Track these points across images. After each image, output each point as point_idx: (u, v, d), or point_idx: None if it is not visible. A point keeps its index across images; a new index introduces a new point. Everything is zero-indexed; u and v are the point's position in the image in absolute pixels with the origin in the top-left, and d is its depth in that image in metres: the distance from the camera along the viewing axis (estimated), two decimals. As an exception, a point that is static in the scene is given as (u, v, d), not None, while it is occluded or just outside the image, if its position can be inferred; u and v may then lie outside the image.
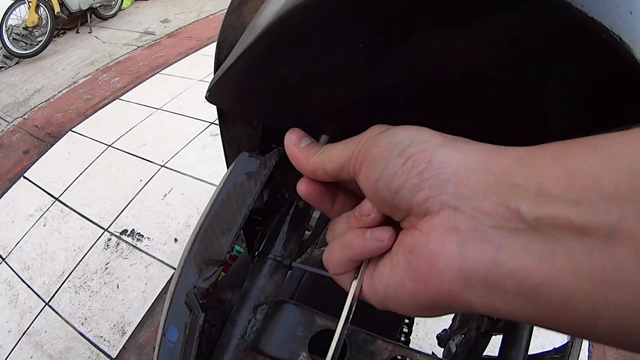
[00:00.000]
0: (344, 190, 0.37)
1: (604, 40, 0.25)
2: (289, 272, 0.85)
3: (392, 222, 0.30)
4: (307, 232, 1.04)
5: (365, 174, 0.29)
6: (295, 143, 0.36)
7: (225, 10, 0.59)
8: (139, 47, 5.46)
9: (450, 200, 0.24)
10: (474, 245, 0.23)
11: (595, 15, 0.24)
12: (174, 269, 2.33)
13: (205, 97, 0.46)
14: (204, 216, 0.50)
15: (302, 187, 0.36)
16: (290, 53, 0.35)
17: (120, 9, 6.94)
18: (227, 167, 0.60)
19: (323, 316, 0.46)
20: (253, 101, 0.44)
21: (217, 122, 3.42)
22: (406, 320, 1.10)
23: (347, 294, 0.34)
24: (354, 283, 0.32)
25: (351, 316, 0.33)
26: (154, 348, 0.47)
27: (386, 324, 0.86)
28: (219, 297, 0.53)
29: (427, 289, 0.25)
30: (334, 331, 0.45)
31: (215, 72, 0.57)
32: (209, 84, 0.46)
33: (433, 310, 0.27)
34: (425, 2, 0.27)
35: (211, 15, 6.05)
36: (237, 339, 0.46)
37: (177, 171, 3.04)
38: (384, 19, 0.29)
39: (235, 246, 1.25)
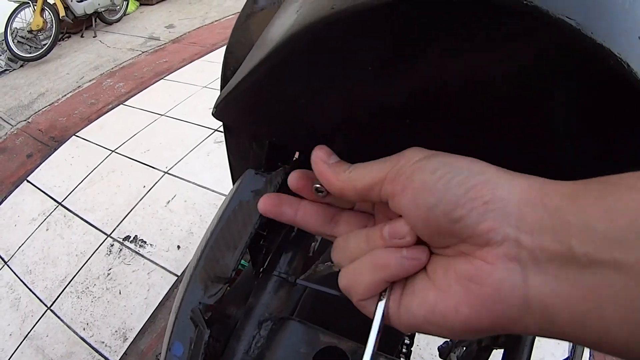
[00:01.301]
0: (307, 201, 0.39)
1: (612, 67, 0.25)
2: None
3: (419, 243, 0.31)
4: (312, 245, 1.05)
5: (413, 199, 0.29)
6: (323, 160, 0.36)
7: (231, 17, 0.59)
8: (143, 52, 5.47)
9: (512, 233, 0.25)
10: (536, 276, 0.24)
11: (605, 41, 0.24)
12: (177, 275, 2.34)
13: (212, 114, 0.46)
14: (210, 232, 0.50)
15: (261, 206, 0.39)
16: (300, 71, 0.35)
17: (125, 14, 6.94)
18: (233, 182, 0.60)
19: (327, 333, 0.47)
20: (260, 118, 0.44)
21: (221, 129, 3.41)
22: (407, 333, 1.10)
23: (350, 310, 0.33)
24: (380, 305, 0.32)
25: (378, 341, 0.32)
26: (158, 361, 0.47)
27: (388, 336, 0.86)
28: (223, 313, 0.53)
29: (488, 315, 0.26)
30: (339, 348, 0.46)
31: (221, 88, 0.57)
32: (216, 98, 0.46)
33: (482, 334, 0.28)
34: (440, 27, 0.27)
35: (216, 21, 6.05)
36: (241, 354, 0.47)
37: (181, 178, 3.04)
38: (397, 40, 0.29)
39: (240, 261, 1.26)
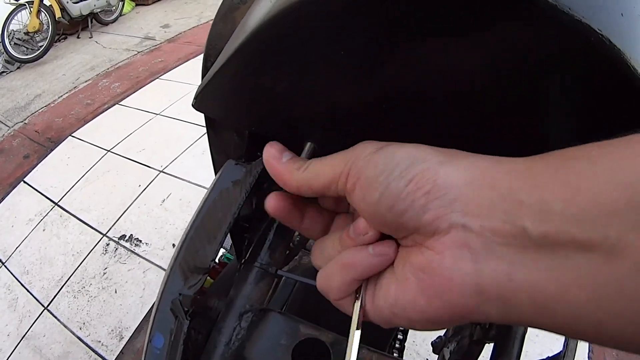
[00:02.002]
0: (314, 206, 0.37)
1: (593, 44, 0.24)
2: (282, 280, 0.85)
3: (386, 237, 0.30)
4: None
5: (361, 196, 0.28)
6: (276, 157, 0.34)
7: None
8: (139, 52, 5.47)
9: (458, 219, 0.24)
10: (488, 261, 0.23)
11: (584, 17, 0.23)
12: (172, 274, 2.33)
13: (192, 105, 0.46)
14: (191, 224, 0.50)
15: (271, 203, 0.35)
16: (275, 59, 0.34)
17: (121, 14, 6.93)
18: (215, 174, 0.60)
19: (307, 325, 0.46)
20: (239, 108, 0.43)
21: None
22: (400, 328, 1.09)
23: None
24: (357, 305, 0.31)
25: (359, 340, 0.31)
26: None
27: (379, 331, 0.86)
28: (205, 305, 0.53)
29: (443, 305, 0.25)
30: (319, 340, 0.46)
31: (202, 79, 0.57)
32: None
33: (445, 325, 0.27)
34: (416, 11, 0.26)
35: (211, 20, 6.00)
36: (223, 346, 0.46)
37: (176, 176, 3.04)
38: (373, 27, 0.28)
39: (226, 254, 1.26)
